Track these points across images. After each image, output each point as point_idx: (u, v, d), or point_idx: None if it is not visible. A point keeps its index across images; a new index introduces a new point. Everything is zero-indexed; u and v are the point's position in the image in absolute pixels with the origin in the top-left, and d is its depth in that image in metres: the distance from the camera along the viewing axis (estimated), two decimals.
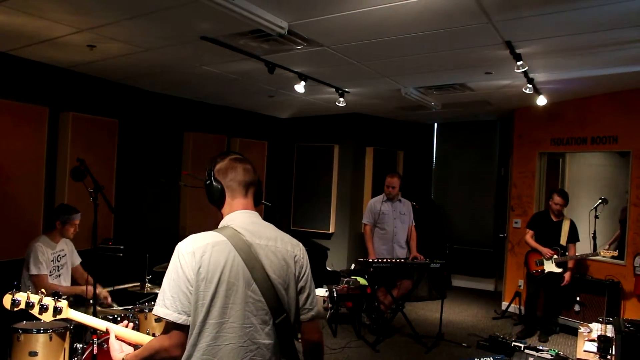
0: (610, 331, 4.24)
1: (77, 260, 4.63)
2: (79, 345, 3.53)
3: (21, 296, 2.09)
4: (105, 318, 3.03)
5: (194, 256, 1.82)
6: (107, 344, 3.51)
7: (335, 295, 6.20)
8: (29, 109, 4.92)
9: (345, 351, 5.57)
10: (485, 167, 9.27)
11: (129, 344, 2.05)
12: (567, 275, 5.97)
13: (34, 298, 2.11)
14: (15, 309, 2.09)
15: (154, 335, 2.77)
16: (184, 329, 1.81)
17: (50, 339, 3.37)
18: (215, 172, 2.02)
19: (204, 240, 1.87)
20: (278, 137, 8.64)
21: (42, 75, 5.08)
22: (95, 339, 3.29)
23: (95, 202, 3.73)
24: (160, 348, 1.83)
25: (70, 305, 2.18)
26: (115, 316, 3.88)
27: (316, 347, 2.06)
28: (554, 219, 6.14)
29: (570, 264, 6.01)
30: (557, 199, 6.12)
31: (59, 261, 4.38)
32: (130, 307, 4.35)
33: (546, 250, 6.04)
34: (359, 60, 4.77)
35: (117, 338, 2.03)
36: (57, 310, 2.12)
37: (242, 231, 1.92)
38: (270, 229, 2.02)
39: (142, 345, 1.94)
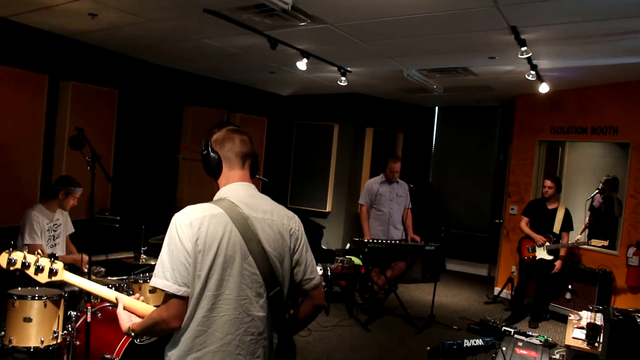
0: (599, 319, 4.29)
1: (70, 230, 4.63)
2: (73, 313, 3.56)
3: (17, 255, 2.07)
4: None
5: (192, 227, 1.81)
6: (101, 313, 3.57)
7: (329, 273, 6.25)
8: (28, 75, 4.88)
9: (337, 329, 5.64)
10: (485, 152, 9.26)
11: (137, 315, 2.05)
12: (557, 264, 6.01)
13: (31, 258, 2.09)
14: (12, 268, 2.07)
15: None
16: (183, 300, 1.82)
17: (45, 305, 3.39)
18: (212, 143, 2.02)
19: (202, 212, 1.86)
20: (278, 114, 8.61)
21: (42, 42, 5.03)
22: (89, 307, 3.32)
23: (92, 172, 3.71)
24: (160, 319, 1.85)
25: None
26: (110, 286, 3.89)
27: (319, 310, 2.13)
28: (549, 207, 6.16)
29: (562, 252, 6.05)
30: (546, 182, 6.18)
31: (54, 230, 4.39)
32: (124, 277, 4.37)
33: (539, 237, 6.07)
34: (363, 39, 4.73)
35: (125, 308, 2.03)
36: (52, 272, 2.11)
37: (239, 204, 1.92)
38: (266, 202, 2.03)
39: None
